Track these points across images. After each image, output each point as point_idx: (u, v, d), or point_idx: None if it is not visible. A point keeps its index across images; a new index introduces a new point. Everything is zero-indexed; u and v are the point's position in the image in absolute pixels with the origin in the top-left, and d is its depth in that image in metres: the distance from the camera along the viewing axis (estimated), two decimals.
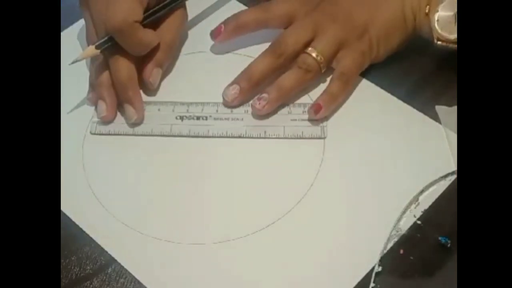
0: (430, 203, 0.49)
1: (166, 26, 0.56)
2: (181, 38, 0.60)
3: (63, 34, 0.61)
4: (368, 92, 0.56)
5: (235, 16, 0.58)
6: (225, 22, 0.58)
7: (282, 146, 0.53)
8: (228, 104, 0.55)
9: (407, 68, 0.57)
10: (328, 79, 0.55)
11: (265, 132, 0.53)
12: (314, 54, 0.54)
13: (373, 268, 0.46)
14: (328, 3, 0.56)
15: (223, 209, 0.49)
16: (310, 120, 0.53)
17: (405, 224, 0.48)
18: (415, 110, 0.54)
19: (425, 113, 0.54)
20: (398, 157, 0.52)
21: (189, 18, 0.60)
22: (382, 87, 0.56)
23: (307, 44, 0.54)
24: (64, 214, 0.49)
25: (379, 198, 0.49)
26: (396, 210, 0.48)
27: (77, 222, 0.49)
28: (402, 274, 0.46)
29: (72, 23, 0.62)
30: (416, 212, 0.48)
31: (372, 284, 0.45)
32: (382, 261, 0.46)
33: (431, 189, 0.50)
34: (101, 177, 0.52)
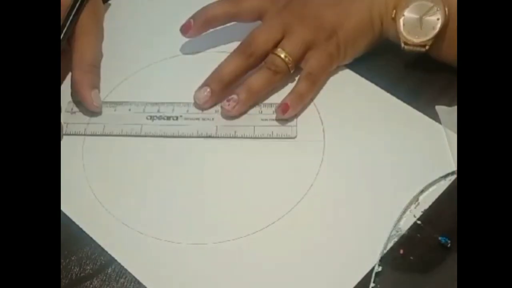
0: (430, 203, 0.49)
1: (85, 44, 0.56)
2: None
3: None
4: (368, 92, 0.56)
5: (204, 9, 0.57)
6: (194, 16, 0.57)
7: (283, 146, 0.53)
8: (200, 107, 0.55)
9: (407, 68, 0.57)
10: (297, 78, 0.55)
11: (235, 132, 0.53)
12: (282, 55, 0.54)
13: (373, 268, 0.46)
14: (297, 4, 0.56)
15: (223, 209, 0.49)
16: (279, 119, 0.54)
17: (405, 224, 0.48)
18: (415, 110, 0.54)
19: (425, 113, 0.54)
20: (398, 157, 0.52)
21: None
22: (382, 87, 0.56)
23: (276, 44, 0.55)
24: (64, 214, 0.49)
25: (379, 198, 0.49)
26: (396, 210, 0.48)
27: (77, 222, 0.49)
28: (402, 274, 0.46)
29: None
30: (416, 212, 0.48)
31: (372, 284, 0.45)
32: (382, 261, 0.46)
33: (431, 189, 0.50)
34: (101, 177, 0.52)
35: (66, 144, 0.53)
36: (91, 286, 0.46)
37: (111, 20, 0.62)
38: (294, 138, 0.53)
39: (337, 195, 0.50)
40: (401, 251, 0.47)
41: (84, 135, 0.54)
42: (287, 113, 0.53)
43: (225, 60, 0.55)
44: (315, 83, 0.55)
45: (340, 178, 0.51)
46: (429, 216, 0.48)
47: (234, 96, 0.53)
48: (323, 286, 0.45)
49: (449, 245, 0.46)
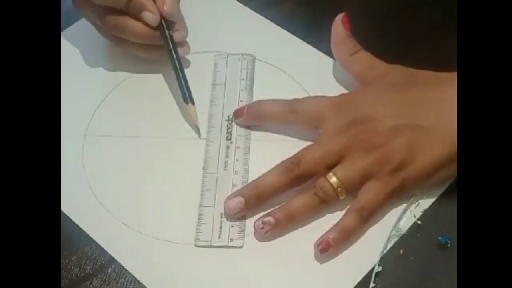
0: (430, 203, 0.49)
1: None
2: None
3: (63, 34, 0.61)
4: None
5: (260, 102, 0.54)
6: (249, 105, 0.54)
7: (283, 146, 0.53)
8: (228, 215, 0.49)
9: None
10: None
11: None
12: (332, 180, 0.47)
13: (373, 268, 0.46)
14: (364, 128, 0.48)
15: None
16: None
17: (405, 224, 0.48)
18: None
19: None
20: None
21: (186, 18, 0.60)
22: None
23: (330, 167, 0.48)
24: (64, 214, 0.49)
25: None
26: (396, 210, 0.48)
27: (77, 222, 0.49)
28: (402, 274, 0.46)
29: (72, 23, 0.62)
30: (416, 212, 0.48)
31: (372, 284, 0.45)
32: (382, 261, 0.46)
33: (431, 189, 0.49)
34: (101, 177, 0.52)
35: (66, 144, 0.53)
36: (91, 286, 0.46)
37: None
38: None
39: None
40: (401, 251, 0.47)
41: (84, 134, 0.54)
42: (327, 252, 0.46)
43: (267, 174, 0.49)
44: (366, 220, 0.47)
45: None
46: (429, 216, 0.48)
47: (271, 219, 0.47)
48: (323, 286, 0.45)
49: (449, 245, 0.46)
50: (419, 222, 0.48)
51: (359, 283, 0.45)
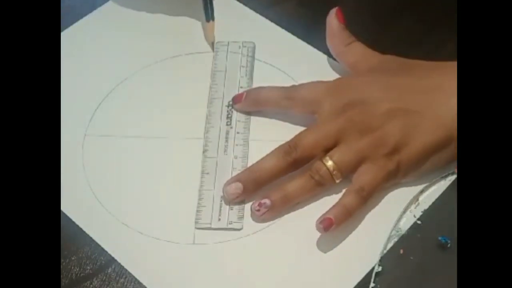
0: (430, 203, 0.49)
1: None
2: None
3: (63, 34, 0.61)
4: None
5: (258, 89, 0.55)
6: (248, 91, 0.55)
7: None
8: (226, 200, 0.50)
9: None
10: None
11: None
12: (328, 164, 0.48)
13: (373, 268, 0.46)
14: (359, 111, 0.49)
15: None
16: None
17: (405, 224, 0.48)
18: None
19: None
20: None
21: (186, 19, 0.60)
22: None
23: (327, 150, 0.49)
24: (64, 214, 0.49)
25: (379, 198, 0.49)
26: (396, 210, 0.48)
27: (77, 222, 0.49)
28: (402, 274, 0.46)
29: (72, 23, 0.62)
30: (416, 212, 0.48)
31: (372, 284, 0.45)
32: (382, 261, 0.46)
33: (431, 189, 0.50)
34: (101, 177, 0.52)
35: (66, 144, 0.53)
36: (91, 286, 0.46)
37: (110, 19, 0.62)
38: None
39: (337, 195, 0.50)
40: (401, 251, 0.47)
41: (84, 134, 0.54)
42: (330, 230, 0.46)
43: (264, 158, 0.49)
44: (366, 200, 0.48)
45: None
46: (429, 216, 0.48)
47: (267, 201, 0.48)
48: (323, 286, 0.45)
49: (449, 245, 0.46)
50: (419, 222, 0.48)
51: (359, 283, 0.45)
